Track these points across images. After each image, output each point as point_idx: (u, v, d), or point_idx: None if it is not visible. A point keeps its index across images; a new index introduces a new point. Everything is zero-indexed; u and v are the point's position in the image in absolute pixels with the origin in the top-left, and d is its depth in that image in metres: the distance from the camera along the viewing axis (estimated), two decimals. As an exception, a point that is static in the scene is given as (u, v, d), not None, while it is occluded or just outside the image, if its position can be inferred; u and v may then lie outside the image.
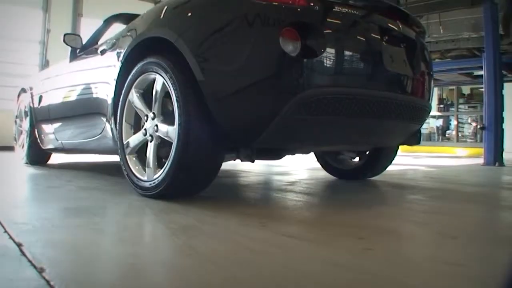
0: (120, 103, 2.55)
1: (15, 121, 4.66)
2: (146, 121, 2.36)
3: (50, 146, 3.95)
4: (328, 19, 2.12)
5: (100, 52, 2.96)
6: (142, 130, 2.37)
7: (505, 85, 6.44)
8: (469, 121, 10.57)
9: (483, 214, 2.33)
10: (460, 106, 10.57)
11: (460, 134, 10.43)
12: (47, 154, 4.31)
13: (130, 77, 2.48)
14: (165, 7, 2.44)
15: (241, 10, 2.05)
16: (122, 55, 2.60)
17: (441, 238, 1.61)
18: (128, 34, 2.66)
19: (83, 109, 3.22)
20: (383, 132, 2.64)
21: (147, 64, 2.35)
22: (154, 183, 2.21)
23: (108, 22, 3.69)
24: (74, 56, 3.54)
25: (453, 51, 7.52)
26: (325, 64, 2.04)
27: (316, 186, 3.11)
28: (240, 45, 2.03)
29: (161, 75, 2.24)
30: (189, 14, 2.26)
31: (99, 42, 3.34)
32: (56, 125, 3.68)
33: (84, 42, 3.60)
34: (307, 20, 2.04)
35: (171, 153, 2.12)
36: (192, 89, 2.10)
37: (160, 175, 2.17)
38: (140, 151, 2.44)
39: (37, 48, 8.03)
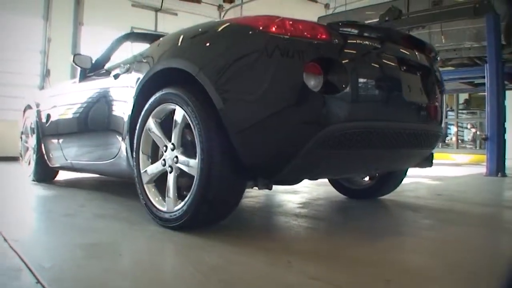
0: (136, 131, 2.54)
1: (21, 137, 4.63)
2: (165, 151, 2.35)
3: (58, 165, 3.94)
4: (350, 53, 2.13)
5: (113, 76, 2.95)
6: (161, 161, 2.36)
7: (507, 93, 6.49)
8: (468, 127, 10.63)
9: (498, 241, 2.36)
10: (459, 111, 10.63)
11: (459, 140, 10.47)
12: (54, 171, 4.29)
13: (147, 106, 2.47)
14: (182, 36, 2.44)
15: (264, 44, 2.04)
16: (138, 82, 2.60)
17: (466, 278, 1.62)
18: (144, 61, 2.65)
19: (96, 127, 3.21)
20: (399, 159, 2.68)
21: (166, 95, 2.34)
22: (175, 215, 2.21)
23: (119, 41, 3.66)
24: (83, 76, 3.51)
25: (454, 59, 7.57)
26: (347, 98, 2.05)
27: (328, 209, 3.12)
28: (262, 79, 2.02)
29: (181, 107, 2.23)
30: (209, 44, 2.25)
31: (110, 65, 3.31)
32: (65, 143, 3.67)
33: (93, 61, 3.57)
34: (330, 55, 2.05)
35: (193, 187, 2.13)
36: (215, 123, 2.10)
37: (182, 207, 2.17)
38: (158, 180, 2.44)
39: (38, 57, 7.99)
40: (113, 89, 2.94)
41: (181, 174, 2.27)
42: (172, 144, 2.30)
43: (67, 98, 3.66)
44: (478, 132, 8.21)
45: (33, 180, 4.26)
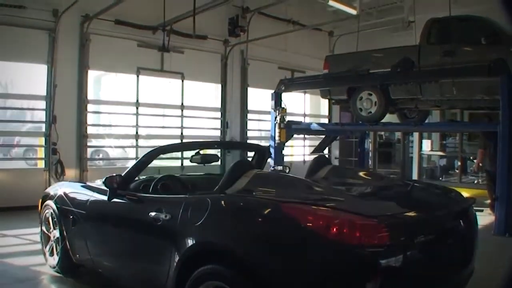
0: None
1: (40, 225, 4.56)
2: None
3: (83, 264, 3.92)
4: (408, 255, 2.18)
5: (154, 218, 2.90)
6: None
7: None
8: (471, 158, 10.73)
9: None
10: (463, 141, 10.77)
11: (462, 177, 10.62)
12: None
13: (195, 275, 2.48)
14: (229, 213, 2.57)
15: (324, 249, 2.09)
16: (184, 248, 2.61)
17: None
18: (190, 224, 2.64)
19: (131, 266, 3.25)
20: None
21: (213, 274, 2.38)
22: None
23: (151, 156, 3.57)
24: (113, 195, 3.45)
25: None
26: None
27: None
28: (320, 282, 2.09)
29: None
30: (269, 238, 2.29)
31: (146, 194, 3.32)
32: (97, 258, 3.64)
33: (123, 174, 3.52)
34: (390, 263, 2.09)
35: None
36: None
37: None
38: None
39: (43, 104, 7.81)
40: (153, 232, 2.96)
41: None
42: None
43: (95, 214, 3.64)
44: (480, 164, 8.27)
45: (57, 272, 4.21)
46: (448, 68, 6.60)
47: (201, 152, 3.94)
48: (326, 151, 12.15)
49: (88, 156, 8.63)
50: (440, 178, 11.27)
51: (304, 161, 12.27)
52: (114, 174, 3.45)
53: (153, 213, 2.92)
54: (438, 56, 7.00)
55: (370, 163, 12.20)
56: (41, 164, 7.95)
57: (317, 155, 3.76)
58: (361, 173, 3.64)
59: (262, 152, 4.50)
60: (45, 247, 4.47)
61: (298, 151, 12.44)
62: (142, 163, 3.55)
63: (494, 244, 5.66)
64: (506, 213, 6.09)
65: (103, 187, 3.54)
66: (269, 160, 4.77)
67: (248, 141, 11.22)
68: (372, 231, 2.08)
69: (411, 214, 2.48)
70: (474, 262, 2.83)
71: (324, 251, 2.10)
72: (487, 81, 6.60)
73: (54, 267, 4.27)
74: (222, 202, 2.70)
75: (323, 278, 2.09)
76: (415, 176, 11.23)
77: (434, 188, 3.36)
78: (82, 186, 4.15)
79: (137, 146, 9.16)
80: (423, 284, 2.29)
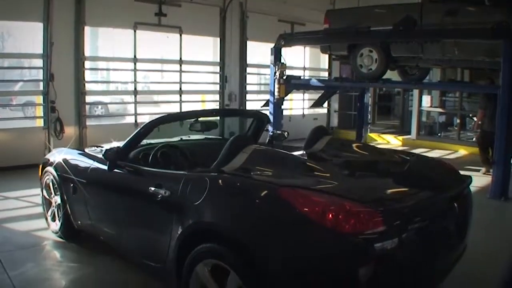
0: (184, 270, 2.66)
1: (42, 191, 4.64)
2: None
3: (85, 230, 4.05)
4: (404, 242, 2.24)
5: (153, 192, 2.97)
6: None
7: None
8: (470, 115, 10.72)
9: None
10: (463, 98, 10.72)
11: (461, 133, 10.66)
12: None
13: (193, 254, 2.59)
14: (228, 197, 2.62)
15: (319, 235, 2.18)
16: (182, 228, 2.71)
17: None
18: (190, 200, 2.71)
19: (134, 237, 3.35)
20: None
21: (212, 253, 2.48)
22: None
23: (149, 127, 3.55)
24: (114, 166, 3.49)
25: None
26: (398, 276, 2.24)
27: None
28: (317, 268, 2.19)
29: (236, 273, 2.35)
30: (264, 219, 2.38)
31: (147, 166, 3.43)
32: (99, 224, 3.77)
33: (122, 144, 3.56)
34: (384, 252, 2.16)
35: None
36: None
37: None
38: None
39: (40, 62, 7.68)
40: (152, 206, 3.05)
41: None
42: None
43: (96, 183, 3.73)
44: (480, 123, 8.29)
45: (60, 237, 4.34)
46: (451, 29, 6.47)
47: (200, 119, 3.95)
48: (325, 104, 12.13)
49: (87, 111, 8.60)
50: (439, 134, 11.34)
51: (303, 115, 12.28)
52: (113, 147, 3.50)
53: (152, 188, 3.00)
54: (441, 15, 6.84)
55: (369, 116, 12.23)
56: (40, 123, 7.94)
57: (315, 126, 3.74)
58: (359, 147, 3.65)
59: (260, 120, 4.50)
60: (47, 212, 4.58)
61: (297, 104, 12.39)
62: (140, 135, 3.56)
63: (490, 208, 5.77)
64: (503, 177, 6.17)
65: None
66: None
67: (247, 97, 11.22)
68: (366, 218, 2.14)
69: (407, 197, 2.50)
70: (467, 239, 2.92)
71: (319, 237, 2.16)
72: (489, 43, 6.48)
73: (56, 232, 4.40)
74: (220, 182, 2.75)
75: (317, 262, 2.16)
76: (414, 131, 11.30)
77: (433, 165, 3.38)
78: (80, 153, 4.20)
79: (135, 102, 9.12)
80: (416, 266, 2.36)
